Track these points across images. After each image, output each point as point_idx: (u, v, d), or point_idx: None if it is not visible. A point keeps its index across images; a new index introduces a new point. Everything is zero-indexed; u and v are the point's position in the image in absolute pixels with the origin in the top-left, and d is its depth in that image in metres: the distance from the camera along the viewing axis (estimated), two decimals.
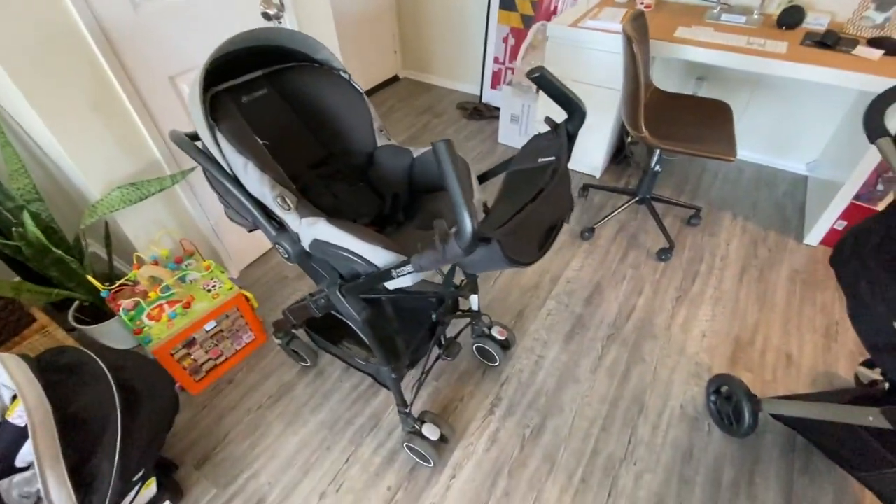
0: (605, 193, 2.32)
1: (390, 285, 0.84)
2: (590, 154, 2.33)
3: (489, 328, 1.48)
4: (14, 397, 1.13)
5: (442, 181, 0.95)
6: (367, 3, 2.87)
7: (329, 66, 0.99)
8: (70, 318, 1.50)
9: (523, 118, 2.53)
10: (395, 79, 3.35)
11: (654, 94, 1.95)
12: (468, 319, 1.45)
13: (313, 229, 0.83)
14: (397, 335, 1.22)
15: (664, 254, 1.90)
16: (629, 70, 1.55)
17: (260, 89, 0.94)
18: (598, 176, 2.42)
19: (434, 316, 1.17)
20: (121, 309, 1.34)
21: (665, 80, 2.46)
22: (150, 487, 1.19)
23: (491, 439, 1.36)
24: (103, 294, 1.37)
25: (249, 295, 1.51)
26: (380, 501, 1.24)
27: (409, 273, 0.69)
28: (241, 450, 1.36)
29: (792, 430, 1.33)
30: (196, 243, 1.65)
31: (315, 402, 1.47)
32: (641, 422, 1.39)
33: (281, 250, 0.91)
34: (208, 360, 1.49)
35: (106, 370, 1.07)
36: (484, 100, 3.02)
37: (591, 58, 1.99)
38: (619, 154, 2.54)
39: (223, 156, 0.80)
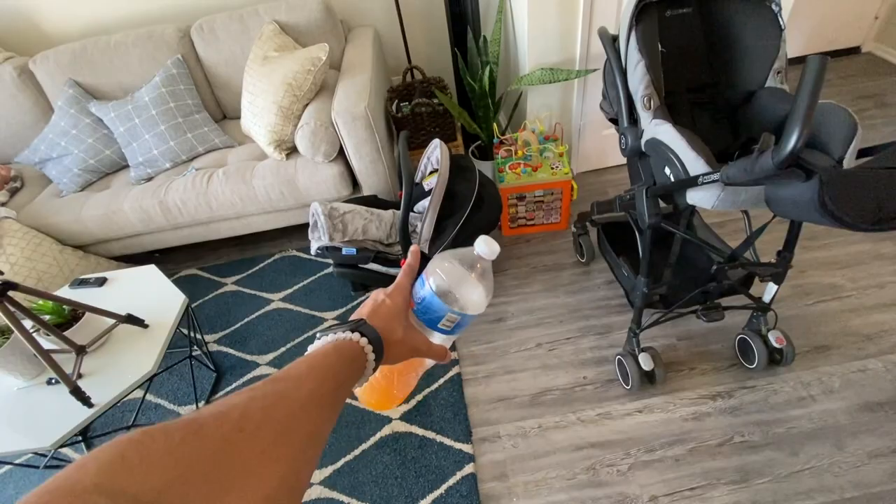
0: None
1: (691, 198, 0.94)
2: None
3: (769, 329, 1.34)
4: (430, 172, 1.87)
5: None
6: None
7: None
8: (470, 151, 2.21)
9: None
10: (854, 50, 2.67)
11: None
12: (750, 305, 1.35)
13: (657, 129, 1.00)
14: (668, 268, 1.30)
15: None
16: None
17: (686, 7, 1.08)
18: None
19: (713, 268, 1.19)
20: (498, 153, 1.91)
21: None
22: None
23: (695, 416, 1.34)
24: (495, 140, 1.96)
25: (575, 186, 1.83)
26: (571, 379, 1.49)
27: (713, 181, 0.79)
28: (516, 285, 1.82)
29: None
30: (562, 132, 2.05)
31: (571, 289, 1.76)
32: None
33: (622, 140, 1.13)
34: (523, 217, 1.96)
35: (478, 179, 1.63)
36: None
37: None
38: None
39: (626, 49, 1.03)
